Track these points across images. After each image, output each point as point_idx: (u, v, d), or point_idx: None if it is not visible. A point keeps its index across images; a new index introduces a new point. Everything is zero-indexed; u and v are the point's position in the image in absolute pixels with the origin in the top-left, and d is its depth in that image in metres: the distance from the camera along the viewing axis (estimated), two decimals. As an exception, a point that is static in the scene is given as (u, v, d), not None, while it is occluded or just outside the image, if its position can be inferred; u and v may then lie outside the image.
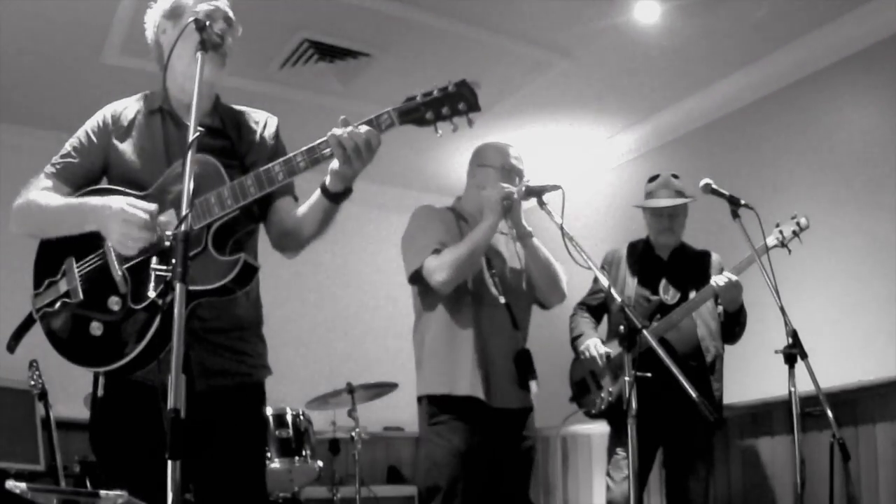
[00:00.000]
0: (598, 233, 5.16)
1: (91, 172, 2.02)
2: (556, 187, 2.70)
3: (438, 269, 2.73)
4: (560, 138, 5.58)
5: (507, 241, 3.00)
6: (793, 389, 2.67)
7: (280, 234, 2.06)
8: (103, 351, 1.85)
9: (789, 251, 3.14)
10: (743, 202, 2.98)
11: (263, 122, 2.14)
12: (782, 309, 2.73)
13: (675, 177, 3.61)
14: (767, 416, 3.95)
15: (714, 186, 3.01)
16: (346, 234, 6.02)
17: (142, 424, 1.85)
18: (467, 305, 2.81)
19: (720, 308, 3.44)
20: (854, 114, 4.14)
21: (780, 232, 3.15)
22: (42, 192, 1.97)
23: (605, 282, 2.54)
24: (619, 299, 2.42)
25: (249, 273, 1.83)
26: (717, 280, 3.24)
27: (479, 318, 2.80)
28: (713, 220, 3.58)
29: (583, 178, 5.79)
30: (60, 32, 4.17)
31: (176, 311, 1.45)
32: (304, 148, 1.80)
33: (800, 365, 2.67)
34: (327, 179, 1.89)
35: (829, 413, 2.60)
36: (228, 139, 2.03)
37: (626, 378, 2.38)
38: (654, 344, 2.26)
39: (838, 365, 3.60)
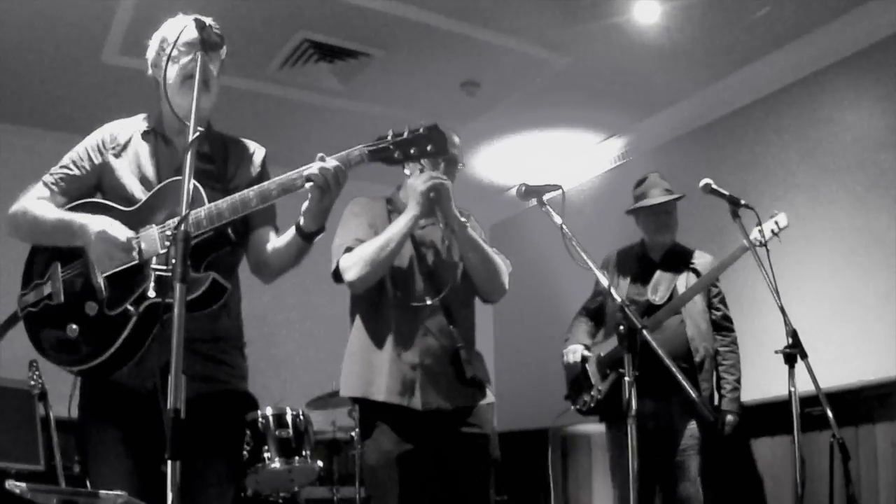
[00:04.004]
0: (597, 232, 5.15)
1: (86, 186, 2.14)
2: (556, 187, 2.68)
3: (349, 266, 2.58)
4: (560, 138, 5.57)
5: (446, 233, 2.76)
6: (793, 389, 2.67)
7: (256, 262, 2.17)
8: (77, 352, 1.96)
9: (767, 250, 3.09)
10: (743, 202, 2.99)
11: (251, 151, 2.23)
12: (782, 309, 2.73)
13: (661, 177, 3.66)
14: (767, 416, 3.94)
15: (714, 186, 3.01)
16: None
17: (129, 433, 1.95)
18: (389, 304, 2.64)
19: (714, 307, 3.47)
20: (853, 114, 4.13)
21: (760, 231, 3.13)
22: (38, 203, 2.08)
23: (604, 282, 2.52)
24: (618, 299, 2.42)
25: (218, 291, 1.91)
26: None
27: (403, 318, 2.63)
28: (713, 220, 3.58)
29: (582, 177, 5.78)
30: (60, 32, 4.16)
31: (176, 311, 1.50)
32: (277, 179, 1.92)
33: (800, 365, 2.67)
34: (301, 220, 2.00)
35: (829, 413, 2.60)
36: (215, 164, 2.14)
37: (627, 378, 2.38)
38: (655, 345, 2.26)
39: (838, 365, 3.60)
